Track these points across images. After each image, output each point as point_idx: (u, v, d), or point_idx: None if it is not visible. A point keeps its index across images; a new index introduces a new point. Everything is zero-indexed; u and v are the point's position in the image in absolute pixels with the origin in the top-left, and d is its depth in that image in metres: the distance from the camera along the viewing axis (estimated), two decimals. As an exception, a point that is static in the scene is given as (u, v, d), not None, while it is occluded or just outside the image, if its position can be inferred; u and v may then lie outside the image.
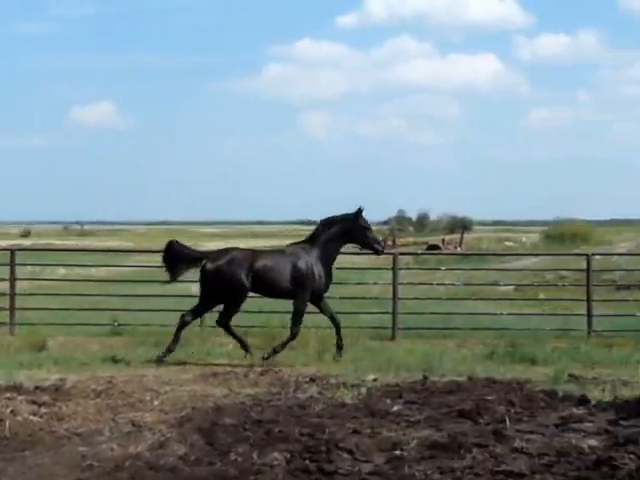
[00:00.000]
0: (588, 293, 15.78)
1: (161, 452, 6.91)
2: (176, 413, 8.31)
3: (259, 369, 11.20)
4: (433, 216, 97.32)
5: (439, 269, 24.58)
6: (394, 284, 15.50)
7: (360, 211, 12.36)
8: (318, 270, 12.14)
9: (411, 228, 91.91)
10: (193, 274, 12.46)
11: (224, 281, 11.83)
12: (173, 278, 12.19)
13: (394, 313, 15.27)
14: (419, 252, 31.32)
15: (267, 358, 11.73)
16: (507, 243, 41.84)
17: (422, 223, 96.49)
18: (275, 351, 11.89)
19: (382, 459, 6.48)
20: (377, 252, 12.64)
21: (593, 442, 6.65)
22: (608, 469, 6.00)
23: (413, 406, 8.16)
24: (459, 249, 46.71)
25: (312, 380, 10.08)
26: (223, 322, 12.27)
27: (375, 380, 10.14)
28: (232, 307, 12.18)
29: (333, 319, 12.46)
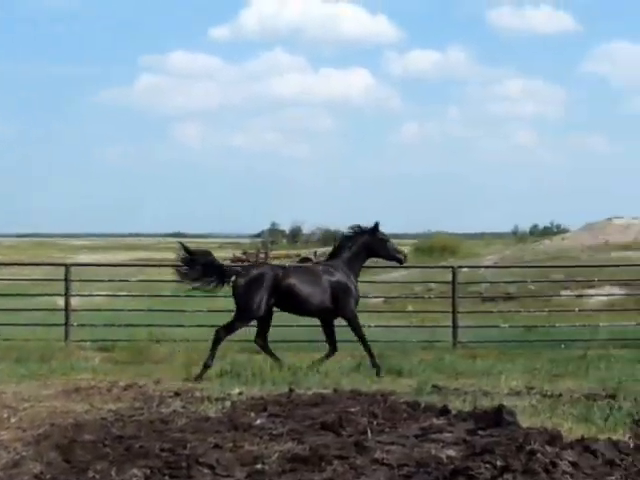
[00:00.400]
0: (453, 305, 16.15)
1: (15, 471, 6.66)
2: (34, 430, 8.04)
3: (122, 384, 10.99)
4: (306, 229, 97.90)
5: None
6: (263, 297, 15.44)
7: (377, 225, 12.65)
8: (353, 284, 12.51)
9: (284, 241, 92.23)
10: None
11: (250, 297, 11.93)
12: (189, 282, 12.36)
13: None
14: (287, 265, 31.29)
15: (379, 374, 12.08)
16: (377, 256, 42.55)
17: (295, 236, 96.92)
18: (375, 365, 12.30)
19: (243, 474, 6.42)
20: (400, 262, 13.06)
21: (451, 452, 6.75)
22: (465, 479, 6.09)
23: (277, 419, 8.14)
24: (331, 262, 46.95)
25: (176, 394, 9.94)
26: (260, 340, 12.38)
27: (240, 394, 10.08)
28: (260, 323, 12.33)
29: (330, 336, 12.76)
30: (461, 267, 18.48)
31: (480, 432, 7.33)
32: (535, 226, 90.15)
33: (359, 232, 12.68)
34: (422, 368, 12.71)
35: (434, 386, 10.84)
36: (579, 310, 18.92)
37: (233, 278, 12.15)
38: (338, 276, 12.35)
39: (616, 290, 21.91)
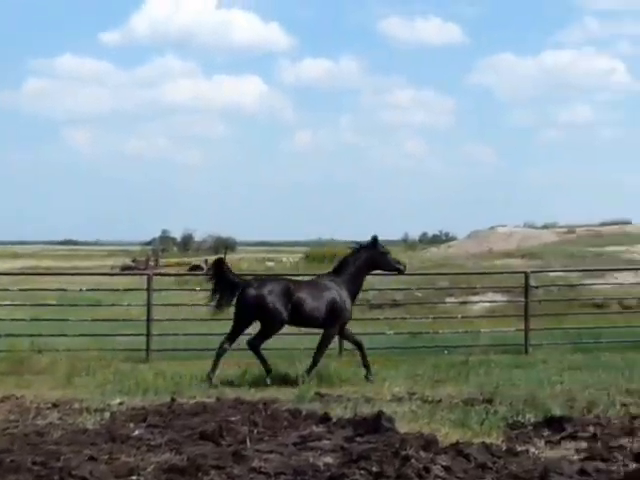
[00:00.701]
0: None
1: None
2: None
3: (-1, 395, 10.70)
4: (198, 237, 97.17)
5: (203, 290, 24.45)
6: (148, 305, 15.33)
7: (376, 238, 13.03)
8: (349, 302, 12.77)
9: (175, 248, 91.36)
10: None
11: (263, 309, 12.16)
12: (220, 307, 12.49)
13: (148, 335, 15.10)
14: (173, 273, 31.21)
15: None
16: (268, 264, 42.43)
17: (187, 243, 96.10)
18: (309, 372, 12.36)
19: (117, 485, 6.34)
20: (400, 272, 13.51)
21: (329, 459, 6.81)
22: (341, 485, 6.16)
23: (155, 430, 8.06)
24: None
25: (54, 406, 9.75)
26: (255, 344, 12.42)
27: (121, 404, 9.93)
28: (268, 334, 12.49)
29: (355, 342, 13.11)
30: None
31: (358, 439, 7.43)
32: (424, 234, 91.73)
33: (361, 247, 13.02)
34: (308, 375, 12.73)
35: (317, 393, 10.91)
36: (462, 317, 19.30)
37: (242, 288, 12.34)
38: (337, 291, 12.66)
39: (498, 297, 22.36)
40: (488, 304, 22.44)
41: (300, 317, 12.57)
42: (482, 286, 21.11)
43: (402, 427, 8.46)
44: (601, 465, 6.93)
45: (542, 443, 8.05)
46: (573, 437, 8.19)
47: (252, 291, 12.25)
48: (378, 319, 19.35)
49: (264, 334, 12.52)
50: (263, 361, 12.47)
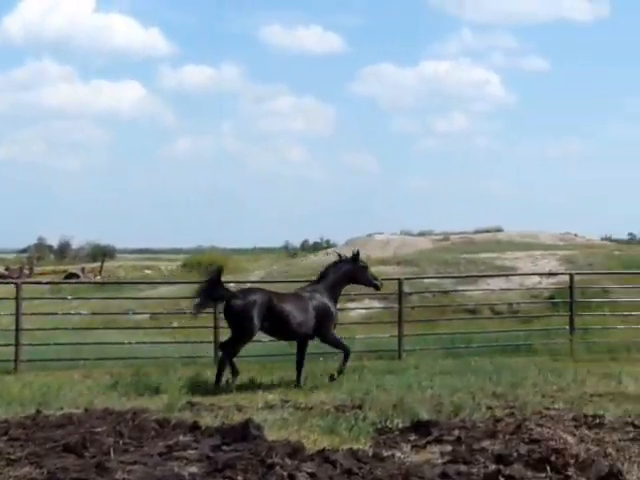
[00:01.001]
0: (215, 320, 16.11)
1: None
2: None
3: None
4: (75, 244, 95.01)
5: (76, 298, 24.07)
6: (17, 315, 14.91)
7: (358, 253, 13.60)
8: (334, 309, 13.19)
9: (52, 256, 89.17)
10: None
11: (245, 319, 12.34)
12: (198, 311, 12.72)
13: (17, 345, 14.69)
14: (44, 281, 30.61)
15: (334, 379, 12.56)
16: (146, 271, 41.89)
17: (63, 251, 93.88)
18: (341, 372, 12.79)
19: (-28, 501, 6.13)
20: (377, 287, 13.90)
21: (194, 469, 6.75)
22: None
23: (16, 443, 7.82)
24: (98, 277, 46.07)
25: None
26: (229, 350, 12.57)
27: (-18, 417, 9.61)
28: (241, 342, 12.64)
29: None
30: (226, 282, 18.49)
31: (225, 447, 7.38)
32: (306, 241, 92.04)
33: (342, 260, 13.45)
34: (181, 384, 12.61)
35: (189, 402, 10.80)
36: (338, 323, 19.42)
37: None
38: (322, 301, 12.97)
39: (374, 303, 22.66)
40: (364, 311, 22.70)
41: (284, 328, 12.77)
42: (359, 293, 21.31)
43: (271, 435, 8.46)
44: (463, 468, 7.08)
45: (408, 447, 8.17)
46: (439, 441, 8.33)
47: (237, 301, 12.46)
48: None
49: (237, 342, 12.65)
50: (222, 367, 12.58)
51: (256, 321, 12.38)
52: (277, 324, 12.62)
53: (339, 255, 13.78)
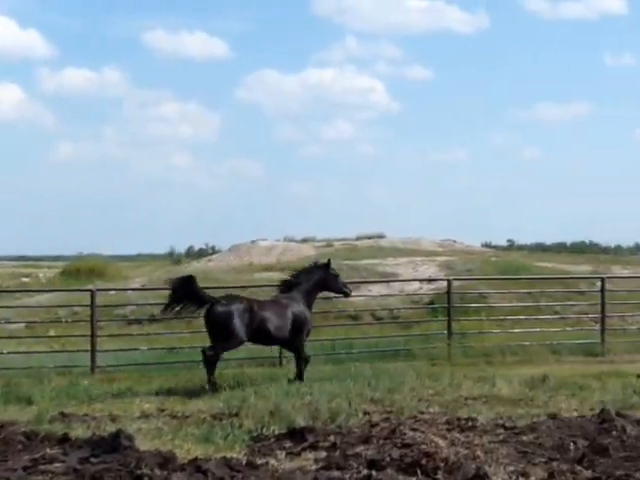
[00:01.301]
0: (92, 329, 15.82)
1: None
2: None
3: None
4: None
5: None
6: None
7: (329, 262, 13.93)
8: (309, 315, 13.49)
9: None
10: None
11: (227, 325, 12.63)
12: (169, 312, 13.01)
13: None
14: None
15: (292, 380, 12.93)
16: (23, 279, 40.80)
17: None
18: (301, 376, 13.21)
19: None
20: (347, 295, 14.40)
21: (60, 482, 6.55)
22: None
23: None
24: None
25: None
26: (212, 355, 12.69)
27: None
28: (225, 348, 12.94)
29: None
30: (100, 290, 18.16)
31: (93, 459, 7.19)
32: (191, 247, 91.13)
33: (315, 267, 13.83)
34: (55, 394, 12.29)
35: (61, 413, 10.52)
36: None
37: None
38: (299, 308, 13.33)
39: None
40: (247, 317, 22.57)
41: (264, 335, 13.06)
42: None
43: (144, 445, 8.30)
44: (336, 473, 7.09)
45: (283, 455, 8.14)
46: (314, 447, 8.33)
47: (219, 307, 12.73)
48: (134, 335, 19.01)
49: (222, 348, 12.92)
50: (211, 375, 12.76)
51: (241, 327, 12.69)
52: (258, 330, 12.91)
53: (315, 262, 14.26)
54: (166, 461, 6.97)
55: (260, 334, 13.04)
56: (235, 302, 12.96)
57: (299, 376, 13.29)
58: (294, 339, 13.37)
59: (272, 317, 13.03)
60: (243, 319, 12.71)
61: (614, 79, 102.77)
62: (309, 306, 13.67)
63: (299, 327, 13.32)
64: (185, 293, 12.87)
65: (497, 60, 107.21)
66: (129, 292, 26.61)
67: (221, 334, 12.78)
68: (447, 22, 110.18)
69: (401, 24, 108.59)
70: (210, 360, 12.77)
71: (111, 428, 9.28)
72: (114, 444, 7.58)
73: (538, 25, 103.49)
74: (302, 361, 13.50)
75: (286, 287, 13.82)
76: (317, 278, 13.72)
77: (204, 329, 19.14)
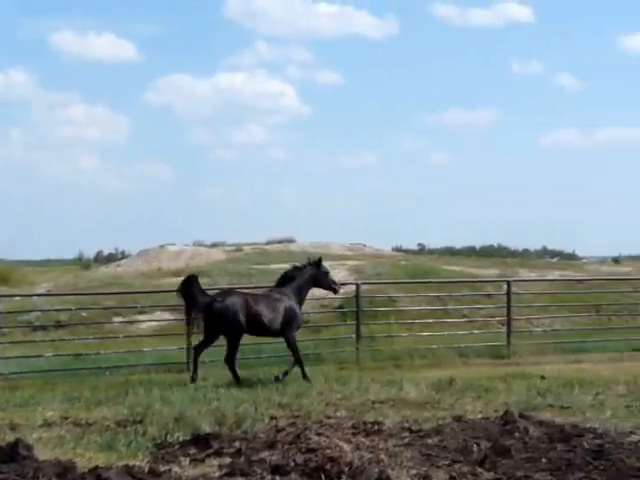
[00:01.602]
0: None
1: None
2: None
3: None
4: None
5: None
6: None
7: (321, 259, 14.61)
8: (299, 309, 14.13)
9: None
10: None
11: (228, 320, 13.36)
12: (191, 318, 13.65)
13: None
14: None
15: (281, 380, 13.38)
16: None
17: None
18: (286, 373, 13.68)
19: None
20: (335, 292, 14.95)
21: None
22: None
23: None
24: None
25: None
26: (228, 359, 13.53)
27: None
28: (234, 344, 13.62)
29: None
30: (3, 296, 17.78)
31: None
32: (100, 252, 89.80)
33: (307, 264, 14.38)
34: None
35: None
36: (124, 336, 19.05)
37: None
38: (290, 303, 13.91)
39: (167, 315, 22.42)
40: (156, 323, 22.40)
41: (259, 327, 13.71)
42: (151, 305, 21.01)
43: (44, 454, 8.10)
44: (239, 480, 7.03)
45: (187, 462, 8.04)
46: (218, 453, 8.25)
47: (219, 303, 13.41)
48: (39, 341, 18.62)
49: (232, 346, 13.60)
50: (235, 375, 13.52)
51: (242, 317, 13.37)
52: (252, 322, 13.52)
53: (308, 259, 14.70)
54: (65, 470, 6.81)
55: (254, 326, 13.67)
56: (232, 296, 13.69)
57: (303, 375, 13.71)
58: (284, 332, 13.92)
59: (265, 310, 13.66)
60: (242, 311, 13.41)
61: (521, 86, 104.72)
62: (300, 302, 14.27)
63: (289, 321, 13.89)
64: (188, 293, 13.50)
65: (407, 65, 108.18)
66: (34, 298, 26.10)
67: (225, 328, 13.52)
68: (357, 27, 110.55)
69: (311, 29, 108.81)
70: (228, 364, 13.55)
71: (10, 437, 9.03)
72: (12, 454, 7.38)
73: (447, 31, 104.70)
74: (298, 355, 13.93)
75: (279, 283, 14.35)
76: (308, 275, 14.31)
77: (111, 335, 18.99)
